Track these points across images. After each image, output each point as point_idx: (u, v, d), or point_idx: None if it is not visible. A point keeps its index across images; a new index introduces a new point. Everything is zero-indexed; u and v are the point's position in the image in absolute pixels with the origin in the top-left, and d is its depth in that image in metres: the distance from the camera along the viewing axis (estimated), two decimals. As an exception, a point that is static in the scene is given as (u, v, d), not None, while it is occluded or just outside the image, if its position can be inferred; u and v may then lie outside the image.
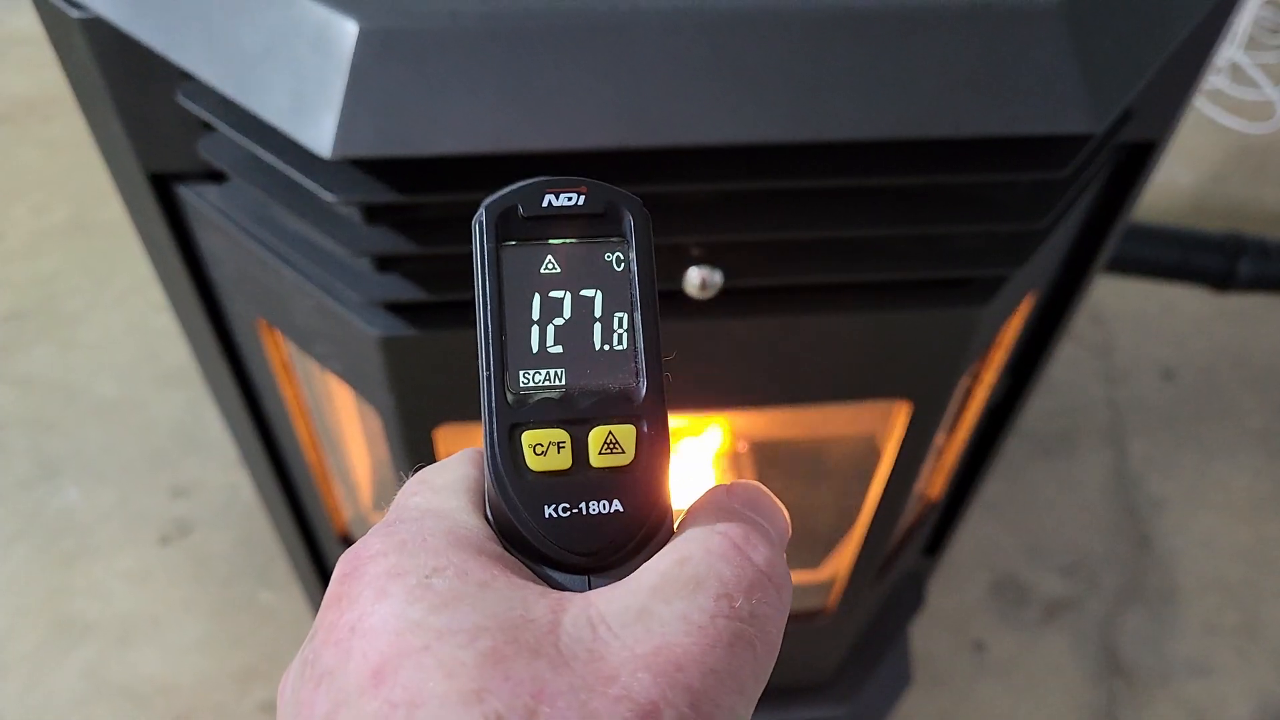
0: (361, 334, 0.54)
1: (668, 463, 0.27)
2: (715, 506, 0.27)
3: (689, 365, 0.56)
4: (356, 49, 0.43)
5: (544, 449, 0.26)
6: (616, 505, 0.26)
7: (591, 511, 0.26)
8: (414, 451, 0.62)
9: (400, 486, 0.29)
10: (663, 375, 0.27)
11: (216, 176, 0.59)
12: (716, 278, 0.52)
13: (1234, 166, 2.03)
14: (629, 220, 0.28)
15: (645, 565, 0.26)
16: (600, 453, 0.26)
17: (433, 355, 0.56)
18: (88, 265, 1.78)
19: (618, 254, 0.28)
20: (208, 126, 0.55)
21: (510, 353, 0.27)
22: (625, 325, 0.27)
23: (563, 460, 0.26)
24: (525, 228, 0.28)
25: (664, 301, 0.55)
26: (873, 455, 0.78)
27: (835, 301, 0.56)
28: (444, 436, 0.62)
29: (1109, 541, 1.48)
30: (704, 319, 0.55)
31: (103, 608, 1.36)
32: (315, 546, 0.96)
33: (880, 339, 0.58)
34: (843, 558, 0.85)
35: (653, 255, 0.28)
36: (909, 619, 1.13)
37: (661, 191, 0.50)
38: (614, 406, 0.27)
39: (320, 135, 0.44)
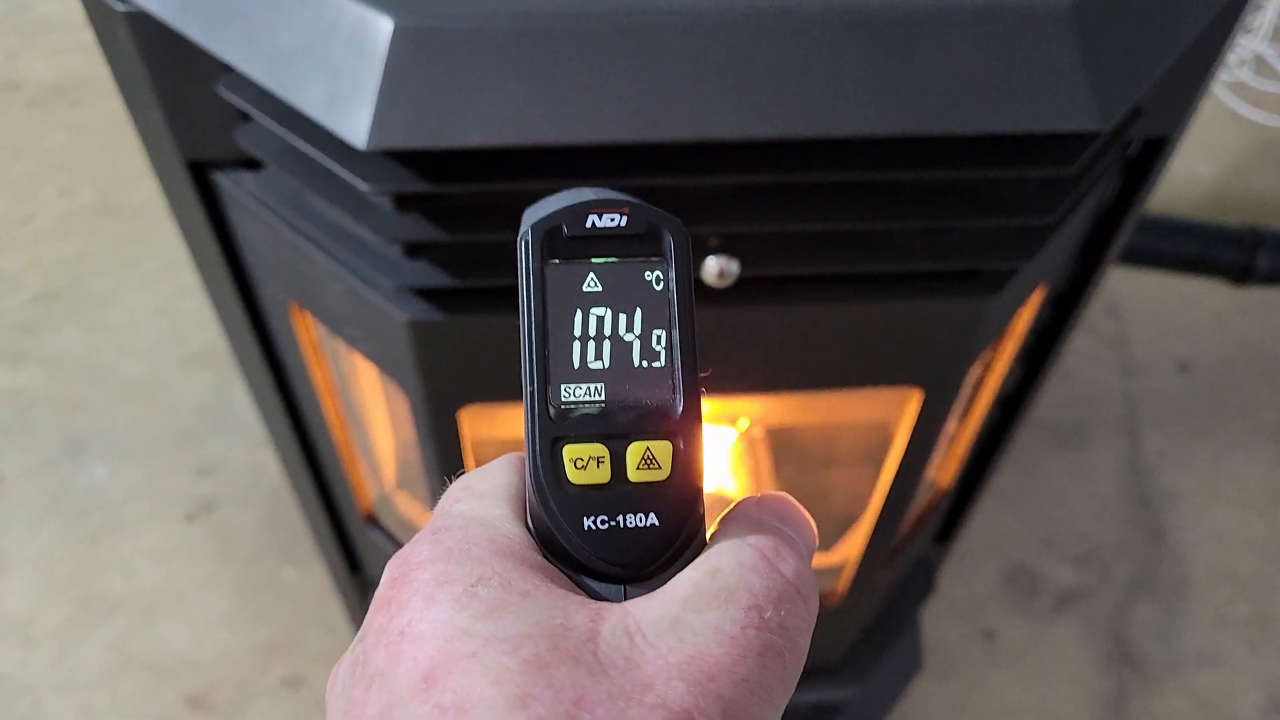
0: (391, 318, 0.56)
1: (702, 478, 0.28)
2: (746, 518, 0.28)
3: (707, 352, 0.58)
4: (391, 46, 0.45)
5: (584, 463, 0.27)
6: (652, 519, 0.27)
7: (628, 524, 0.27)
8: (439, 432, 0.64)
9: (444, 490, 0.30)
10: (699, 393, 0.28)
11: (253, 164, 0.61)
12: (734, 267, 0.54)
13: (1255, 159, 2.03)
14: (669, 241, 0.29)
15: (679, 576, 0.27)
16: (638, 468, 0.27)
17: (459, 339, 0.58)
18: (115, 247, 1.81)
19: (657, 273, 0.29)
20: (246, 117, 0.57)
21: (553, 367, 0.28)
22: (664, 343, 0.28)
23: (602, 474, 0.27)
24: (569, 247, 0.29)
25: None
26: (885, 442, 0.79)
27: (849, 291, 0.58)
28: (468, 417, 0.64)
29: (1121, 533, 1.49)
30: (722, 307, 0.57)
31: (129, 583, 1.39)
32: (340, 525, 0.98)
33: (892, 328, 0.60)
34: (854, 542, 0.87)
35: (691, 275, 0.29)
36: (919, 605, 1.14)
37: (681, 184, 0.52)
38: (651, 423, 0.28)
39: (356, 127, 0.45)
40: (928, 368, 0.63)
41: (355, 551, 1.02)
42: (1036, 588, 1.42)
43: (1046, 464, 1.56)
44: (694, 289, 0.29)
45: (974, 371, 0.77)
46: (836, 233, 0.56)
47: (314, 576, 1.39)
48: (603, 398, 0.28)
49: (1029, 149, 0.51)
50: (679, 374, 0.28)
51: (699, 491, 0.28)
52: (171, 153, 0.61)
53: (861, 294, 0.58)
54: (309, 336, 0.72)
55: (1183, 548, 1.48)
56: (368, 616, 0.27)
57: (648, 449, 0.28)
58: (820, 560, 0.92)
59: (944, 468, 0.94)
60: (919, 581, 1.14)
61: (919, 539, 0.99)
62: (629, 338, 0.28)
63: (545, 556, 0.28)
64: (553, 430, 0.27)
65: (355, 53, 0.46)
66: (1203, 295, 1.75)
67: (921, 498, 0.94)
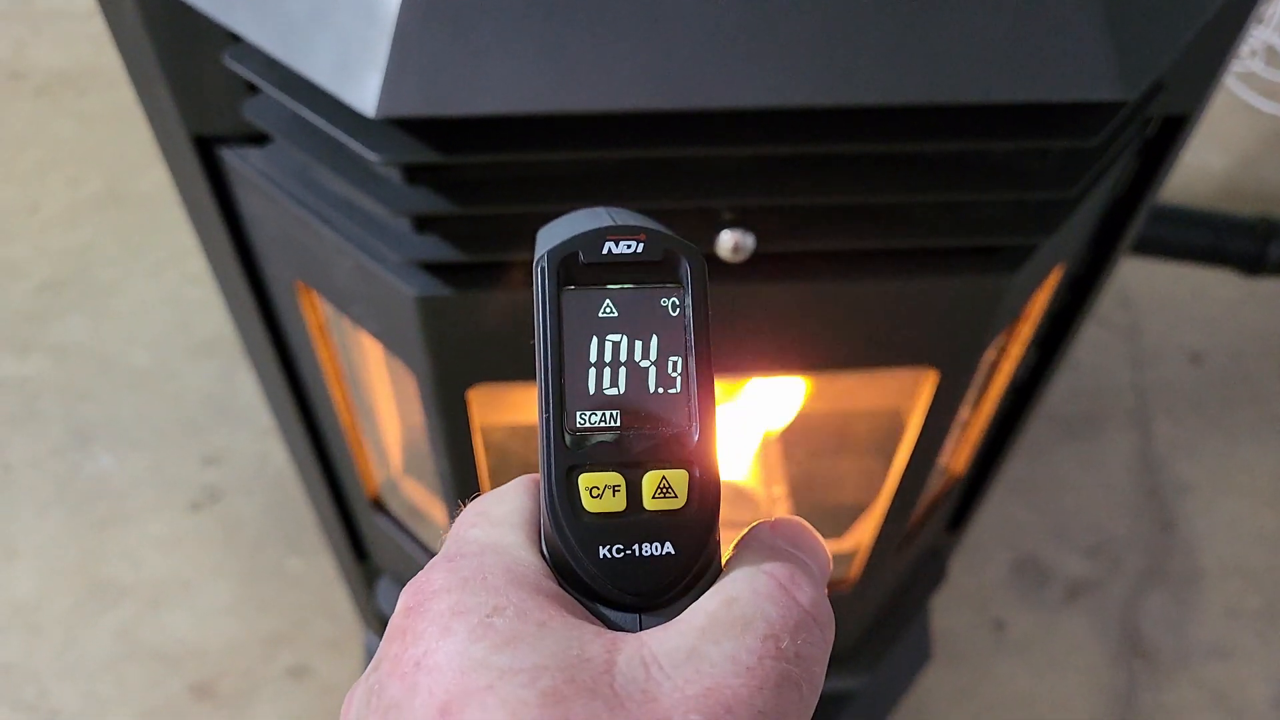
0: (399, 293, 0.56)
1: (718, 507, 0.28)
2: (760, 544, 0.28)
3: (720, 331, 0.57)
4: (400, 12, 0.44)
5: (599, 492, 0.27)
6: (668, 548, 0.27)
7: (644, 553, 0.27)
8: (448, 413, 0.64)
9: (457, 515, 0.30)
10: (715, 420, 0.28)
11: (259, 139, 0.60)
12: (749, 241, 0.53)
13: (1266, 150, 2.01)
14: (685, 267, 0.29)
15: (695, 605, 0.26)
16: (654, 497, 0.27)
17: (468, 315, 0.57)
18: (122, 237, 1.80)
19: (673, 299, 0.29)
20: (253, 89, 0.57)
21: (569, 394, 0.28)
22: (679, 369, 0.28)
23: (617, 503, 0.27)
24: (585, 273, 0.29)
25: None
26: (897, 430, 0.78)
27: (866, 268, 0.57)
28: (477, 397, 0.63)
29: (1132, 524, 1.48)
30: (735, 284, 0.56)
31: (135, 572, 1.39)
32: (346, 511, 0.98)
33: (909, 306, 0.59)
34: (866, 529, 0.86)
35: (707, 301, 0.29)
36: (930, 594, 1.13)
37: (696, 155, 0.51)
38: (667, 451, 0.28)
39: (365, 95, 0.45)
40: (944, 348, 0.63)
41: (361, 539, 1.02)
42: (1046, 578, 1.42)
43: (1057, 455, 1.55)
44: (710, 314, 0.29)
45: (988, 356, 0.76)
46: (853, 207, 0.55)
47: (319, 566, 1.38)
48: (618, 424, 0.28)
49: (1051, 120, 0.50)
50: (695, 401, 0.28)
51: (715, 520, 0.28)
52: (177, 128, 0.60)
53: (878, 271, 0.57)
54: (315, 317, 0.71)
55: (1193, 539, 1.47)
56: (382, 644, 0.26)
57: (664, 478, 0.27)
58: (832, 546, 0.92)
59: (956, 454, 0.93)
60: (929, 571, 1.13)
61: (930, 527, 0.99)
62: (645, 364, 0.28)
63: (560, 584, 0.27)
64: (568, 458, 0.27)
65: (365, 19, 0.45)
66: (1214, 286, 1.74)
67: (934, 484, 0.93)
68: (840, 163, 0.53)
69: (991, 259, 0.57)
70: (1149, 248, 1.42)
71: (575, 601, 0.27)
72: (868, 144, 0.50)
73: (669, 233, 0.29)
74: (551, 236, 0.30)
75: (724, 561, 0.28)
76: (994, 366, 0.82)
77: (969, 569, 1.40)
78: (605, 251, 0.28)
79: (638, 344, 0.28)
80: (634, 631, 0.26)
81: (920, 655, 1.19)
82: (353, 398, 0.80)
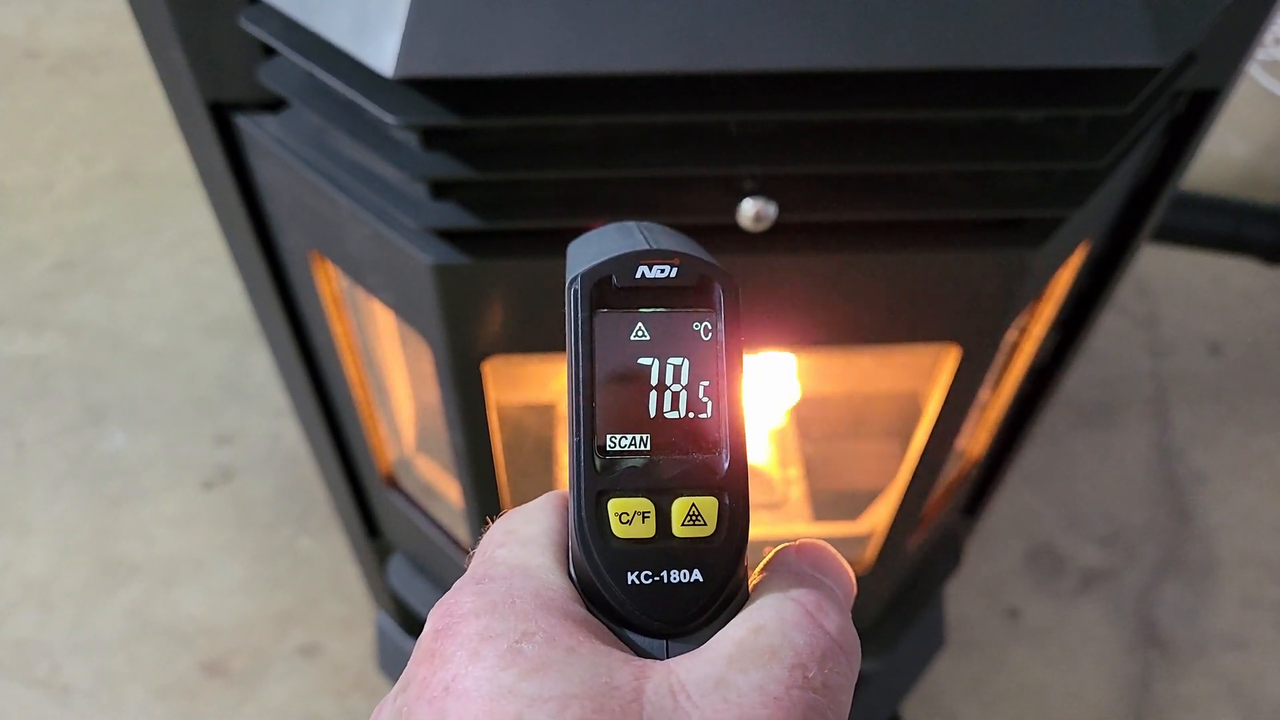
0: (415, 261, 0.55)
1: (747, 535, 0.28)
2: (787, 569, 0.28)
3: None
4: (421, -32, 0.43)
5: (629, 518, 0.27)
6: (696, 575, 0.27)
7: (672, 580, 0.27)
8: (463, 385, 0.63)
9: (484, 532, 0.30)
10: (746, 446, 0.28)
11: (274, 105, 0.60)
12: (771, 210, 0.52)
13: (1289, 139, 1.99)
14: (719, 292, 0.28)
15: (722, 633, 0.26)
16: (683, 524, 0.27)
17: (485, 284, 0.56)
18: (136, 216, 1.80)
19: (706, 323, 0.28)
20: (269, 52, 0.56)
21: (599, 418, 0.28)
22: (711, 394, 0.28)
23: (646, 529, 0.27)
24: (618, 297, 0.28)
25: (716, 235, 0.55)
26: (914, 413, 0.77)
27: (889, 239, 0.56)
28: (493, 369, 0.62)
29: (1149, 513, 1.47)
30: (756, 254, 0.55)
31: (148, 549, 1.39)
32: (358, 488, 0.97)
33: (932, 279, 0.58)
34: (882, 511, 0.85)
35: (741, 327, 0.29)
36: (946, 579, 1.13)
37: (719, 120, 0.50)
38: (697, 477, 0.28)
39: (383, 55, 0.44)
40: (967, 323, 0.62)
41: (373, 515, 1.02)
42: (1061, 567, 1.41)
43: (1073, 443, 1.53)
44: (743, 341, 0.29)
45: (1010, 336, 0.75)
46: (878, 176, 0.54)
47: (330, 546, 1.38)
48: (648, 449, 0.28)
49: (1084, 87, 0.49)
50: (726, 426, 0.28)
51: (744, 548, 0.28)
52: (193, 95, 0.59)
53: (902, 242, 0.56)
54: (330, 290, 0.70)
55: (1210, 529, 1.46)
56: (410, 666, 0.26)
57: (693, 505, 0.27)
58: (849, 529, 0.91)
59: (975, 437, 0.92)
60: (945, 557, 1.12)
61: (947, 510, 0.98)
62: (676, 388, 0.28)
63: (588, 607, 0.28)
64: (598, 483, 0.27)
65: (383, -23, 0.44)
66: (1234, 275, 1.72)
67: (952, 467, 0.92)
68: (865, 130, 0.52)
69: (1017, 231, 0.56)
70: (1169, 235, 1.41)
71: (603, 626, 0.27)
72: (896, 110, 0.49)
73: (703, 256, 0.29)
74: (582, 255, 0.30)
75: (750, 584, 0.28)
76: (1015, 347, 0.81)
77: (983, 557, 1.39)
78: (639, 275, 0.28)
79: (669, 368, 0.28)
80: (661, 657, 0.26)
81: (935, 641, 1.19)
82: (366, 373, 0.79)
